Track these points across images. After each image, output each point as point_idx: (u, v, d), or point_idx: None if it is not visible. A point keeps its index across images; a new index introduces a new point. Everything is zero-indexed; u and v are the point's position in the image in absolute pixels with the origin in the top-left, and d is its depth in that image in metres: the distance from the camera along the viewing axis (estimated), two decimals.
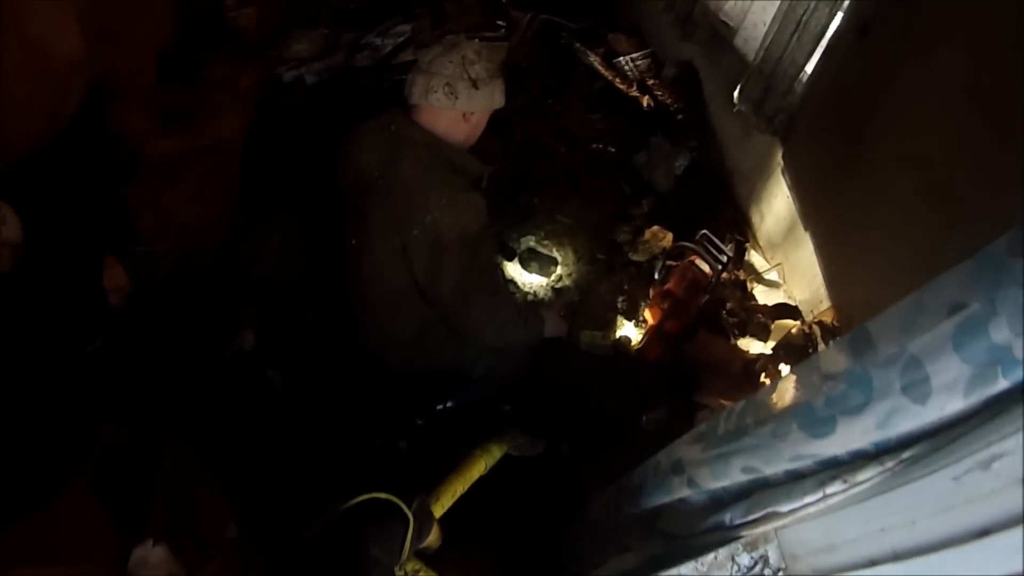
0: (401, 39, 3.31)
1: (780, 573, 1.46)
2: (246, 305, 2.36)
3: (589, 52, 3.52)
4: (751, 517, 1.32)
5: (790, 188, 2.58)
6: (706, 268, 2.46)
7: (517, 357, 2.31)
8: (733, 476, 1.29)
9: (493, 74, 1.92)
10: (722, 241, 2.56)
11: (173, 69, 2.81)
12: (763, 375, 2.35)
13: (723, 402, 2.25)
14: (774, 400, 1.21)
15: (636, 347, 2.44)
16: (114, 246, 2.15)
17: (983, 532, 0.96)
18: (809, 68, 2.42)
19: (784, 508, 1.21)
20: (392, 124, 1.89)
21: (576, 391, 2.38)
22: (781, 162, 2.63)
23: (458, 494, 1.80)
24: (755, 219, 2.79)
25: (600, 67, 3.46)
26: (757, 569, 1.47)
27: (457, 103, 1.86)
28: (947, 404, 0.89)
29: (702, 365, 2.36)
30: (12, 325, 1.81)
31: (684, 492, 1.42)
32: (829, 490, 1.10)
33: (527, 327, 2.13)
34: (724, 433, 1.31)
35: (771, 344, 2.44)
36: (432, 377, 2.23)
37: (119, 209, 2.29)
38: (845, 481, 1.09)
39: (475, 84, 1.87)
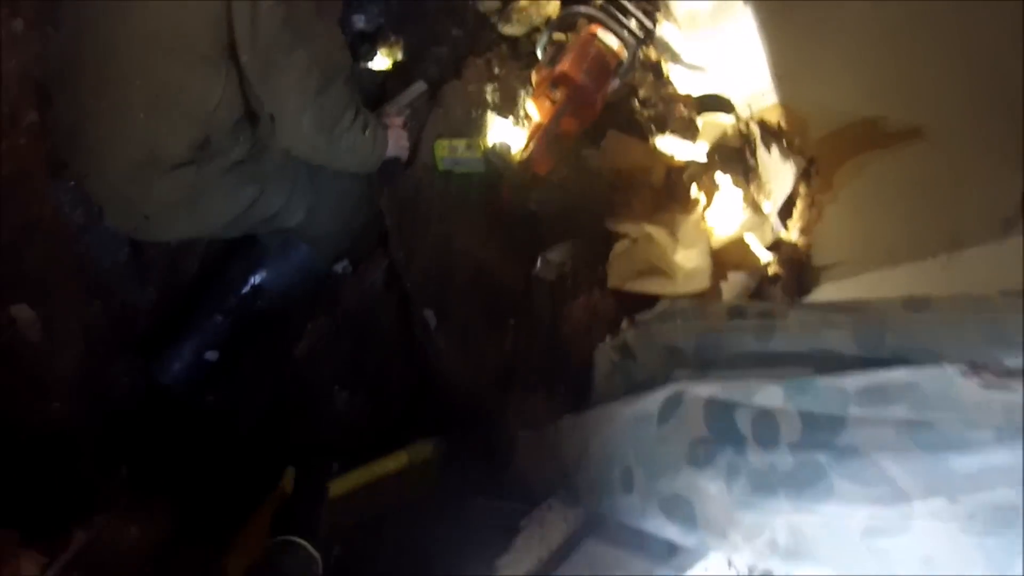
0: None
1: None
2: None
3: None
4: None
5: None
6: (612, 41, 1.68)
7: (345, 192, 1.69)
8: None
9: None
10: None
11: None
12: (694, 187, 1.68)
13: (646, 227, 1.57)
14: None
15: (518, 158, 1.71)
16: None
17: None
18: None
19: None
20: None
21: (435, 232, 1.59)
22: None
23: (359, 484, 1.52)
24: None
25: None
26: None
27: None
28: None
29: (613, 176, 1.69)
30: None
31: (687, 544, 0.91)
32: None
33: (371, 145, 1.53)
34: (776, 480, 0.76)
35: (700, 144, 1.75)
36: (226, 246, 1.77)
37: None
38: None
39: None
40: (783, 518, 0.74)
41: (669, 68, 1.97)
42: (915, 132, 1.39)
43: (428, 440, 1.58)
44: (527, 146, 1.67)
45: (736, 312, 1.10)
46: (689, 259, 1.58)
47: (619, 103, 1.82)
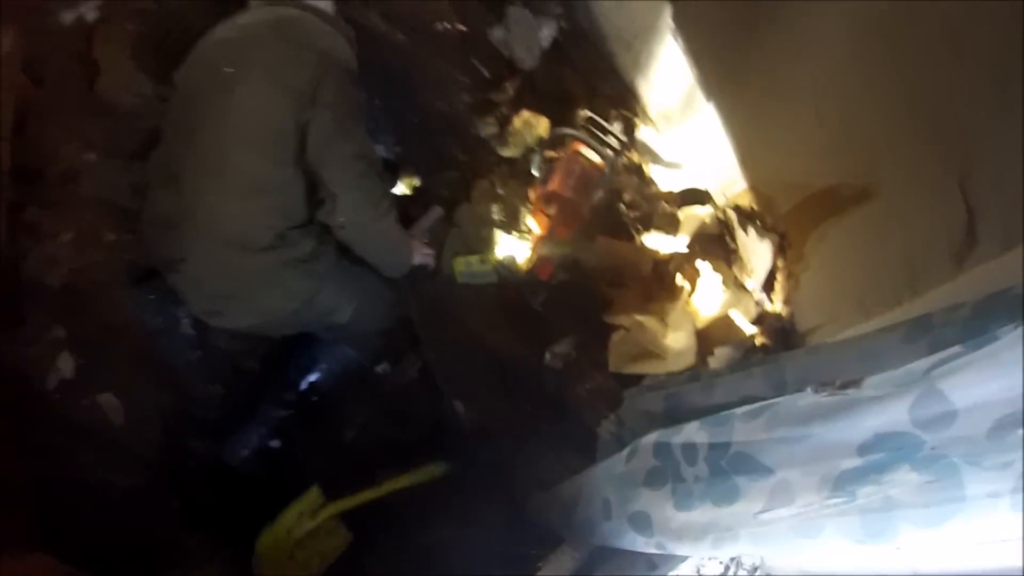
0: None
1: (758, 572, 1.19)
2: (53, 325, 1.92)
3: None
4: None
5: (685, 51, 2.15)
6: (595, 158, 1.96)
7: (382, 297, 1.94)
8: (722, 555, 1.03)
9: None
10: (606, 120, 2.10)
11: None
12: (678, 276, 1.91)
13: (637, 318, 1.80)
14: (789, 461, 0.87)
15: (524, 267, 1.99)
16: None
17: None
18: None
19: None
20: None
21: (459, 334, 1.84)
22: (672, 23, 2.16)
23: (366, 500, 1.82)
24: (642, 90, 2.35)
25: None
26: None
27: None
28: None
29: (606, 276, 1.90)
30: None
31: (650, 550, 1.12)
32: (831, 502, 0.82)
33: (402, 238, 1.85)
34: (702, 490, 1.00)
35: (682, 237, 1.99)
36: (288, 344, 2.01)
37: None
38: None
39: None
40: (713, 514, 0.96)
41: (650, 169, 2.23)
42: (864, 193, 1.55)
43: (433, 463, 1.86)
44: (531, 256, 1.94)
45: (692, 376, 1.35)
46: (677, 341, 1.80)
47: (607, 207, 2.07)
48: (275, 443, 1.98)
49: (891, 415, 0.75)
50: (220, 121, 1.60)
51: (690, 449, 1.00)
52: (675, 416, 1.23)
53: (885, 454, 0.75)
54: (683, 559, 1.20)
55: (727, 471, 0.93)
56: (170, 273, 1.72)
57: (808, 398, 0.86)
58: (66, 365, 1.89)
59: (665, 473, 1.05)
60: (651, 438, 1.11)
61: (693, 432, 1.00)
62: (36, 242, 1.95)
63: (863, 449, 0.77)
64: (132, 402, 1.93)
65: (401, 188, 2.21)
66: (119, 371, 1.93)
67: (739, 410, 0.95)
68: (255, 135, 1.59)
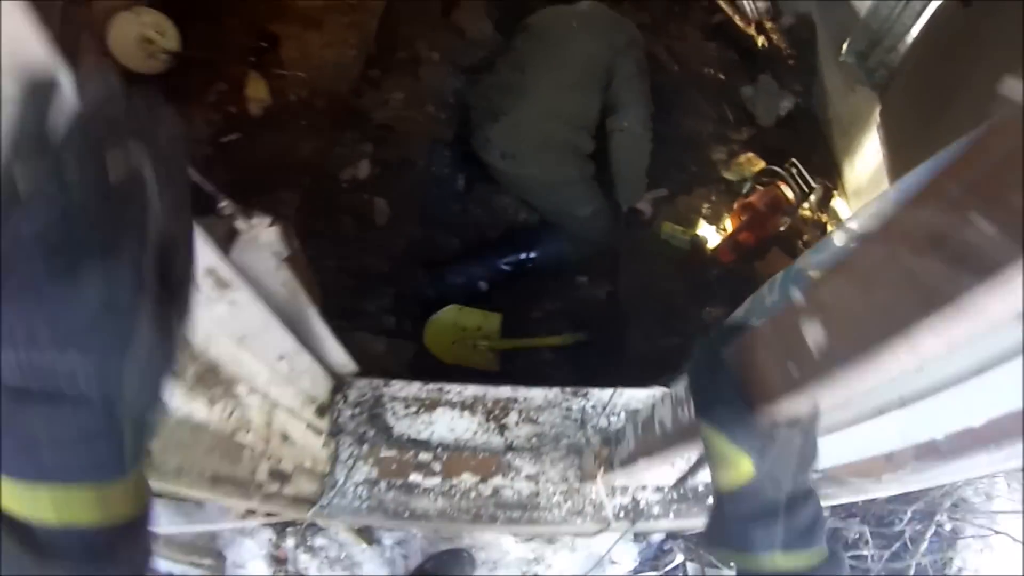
0: None
1: None
2: (365, 141, 2.66)
3: None
4: None
5: (882, 143, 2.66)
6: (790, 193, 2.55)
7: (608, 217, 2.50)
8: None
9: None
10: (811, 176, 2.63)
11: None
12: None
13: None
14: None
15: (711, 248, 2.60)
16: (260, 64, 2.63)
17: (980, 369, 0.95)
18: (915, 30, 2.48)
19: None
20: None
21: (648, 274, 2.48)
22: (877, 117, 2.67)
23: (523, 347, 2.32)
24: (847, 170, 2.88)
25: (722, 1, 3.48)
26: None
27: None
28: None
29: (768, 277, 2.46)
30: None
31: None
32: None
33: (644, 173, 2.49)
34: (769, 305, 1.44)
35: None
36: (521, 226, 2.58)
37: (266, 36, 2.72)
38: None
39: None
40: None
41: (833, 230, 2.78)
42: None
43: (579, 332, 2.35)
44: (719, 244, 2.57)
45: None
46: None
47: (787, 237, 2.66)
48: (484, 285, 2.42)
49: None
50: (563, 48, 2.36)
51: (772, 282, 1.45)
52: None
53: None
54: None
55: (787, 288, 1.35)
56: (487, 123, 2.36)
57: None
58: (363, 169, 2.56)
59: (752, 308, 1.48)
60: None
61: (778, 277, 1.45)
62: (374, 89, 2.72)
63: None
64: (396, 215, 2.52)
65: None
66: (398, 192, 2.56)
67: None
68: (581, 63, 2.35)
